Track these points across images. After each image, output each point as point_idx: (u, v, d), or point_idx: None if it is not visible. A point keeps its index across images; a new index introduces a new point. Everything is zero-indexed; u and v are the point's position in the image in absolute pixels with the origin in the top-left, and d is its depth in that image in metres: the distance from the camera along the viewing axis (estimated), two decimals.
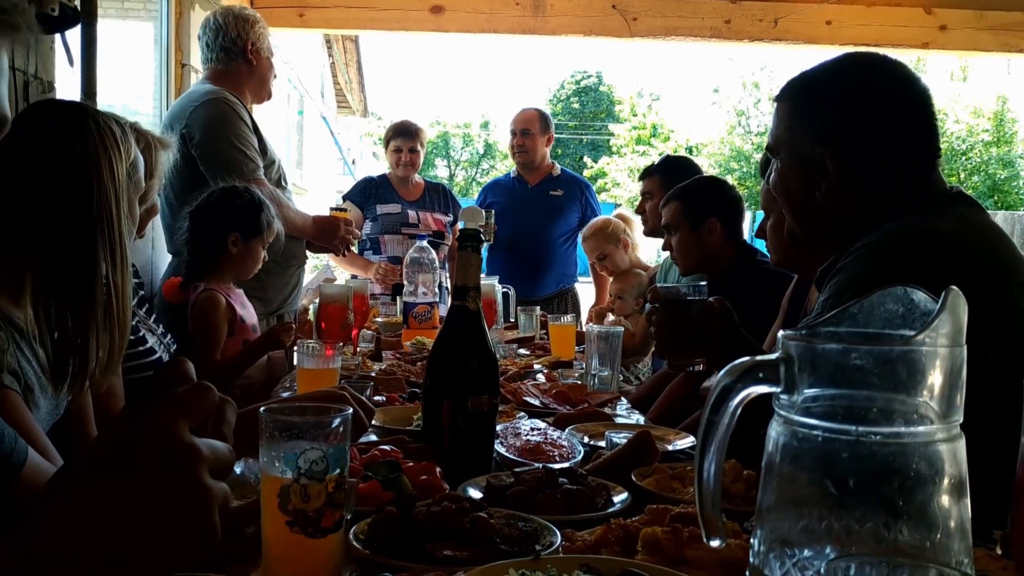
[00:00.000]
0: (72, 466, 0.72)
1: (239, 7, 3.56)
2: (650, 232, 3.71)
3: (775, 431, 0.69)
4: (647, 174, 3.68)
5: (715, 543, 0.71)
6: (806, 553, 0.67)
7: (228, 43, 3.38)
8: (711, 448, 0.69)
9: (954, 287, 0.66)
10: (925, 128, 1.52)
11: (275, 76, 3.63)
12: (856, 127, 1.50)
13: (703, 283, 1.73)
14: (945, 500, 0.64)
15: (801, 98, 1.58)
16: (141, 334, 2.24)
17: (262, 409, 0.93)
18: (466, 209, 1.54)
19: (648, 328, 1.77)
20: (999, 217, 10.96)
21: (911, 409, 0.64)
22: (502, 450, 1.51)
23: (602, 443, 1.64)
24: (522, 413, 1.92)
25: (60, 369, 1.43)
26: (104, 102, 3.13)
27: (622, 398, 2.27)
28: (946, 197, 1.51)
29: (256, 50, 3.42)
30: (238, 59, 3.40)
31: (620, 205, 22.26)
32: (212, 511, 0.67)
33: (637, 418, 2.09)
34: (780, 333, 0.69)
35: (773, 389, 0.68)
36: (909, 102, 1.51)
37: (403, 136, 4.49)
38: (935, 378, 0.64)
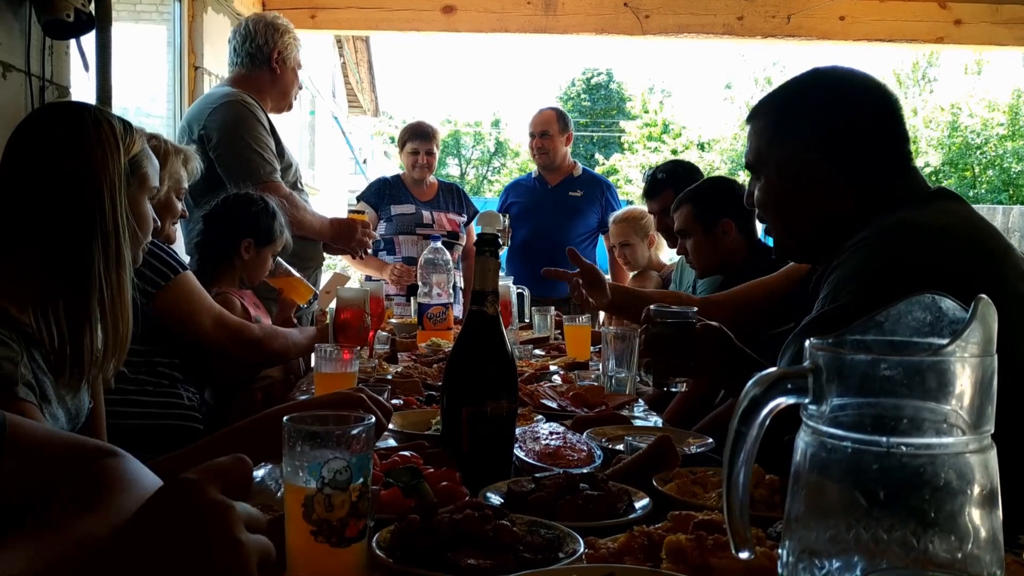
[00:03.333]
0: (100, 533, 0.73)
1: (272, 15, 3.56)
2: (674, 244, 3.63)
3: (803, 441, 0.69)
4: (656, 191, 3.49)
5: (744, 555, 0.70)
6: (835, 564, 0.66)
7: (254, 49, 3.38)
8: (739, 459, 0.69)
9: (984, 296, 0.65)
10: (897, 131, 1.58)
11: (300, 88, 3.62)
12: (841, 131, 1.56)
13: (695, 308, 1.79)
14: (976, 511, 0.64)
15: (781, 111, 1.64)
16: None
17: (285, 419, 0.93)
18: (483, 214, 1.53)
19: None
20: (1015, 212, 10.88)
21: (940, 419, 0.64)
22: (521, 455, 1.51)
23: (620, 446, 1.64)
24: (540, 416, 1.92)
25: (58, 366, 1.44)
26: (119, 105, 3.16)
27: (639, 400, 2.26)
28: (930, 193, 1.58)
29: (282, 59, 3.42)
30: (262, 66, 3.40)
31: (632, 202, 22.20)
32: (250, 564, 0.68)
33: (655, 420, 2.08)
34: (807, 343, 0.69)
35: (802, 400, 0.67)
36: (882, 106, 1.58)
37: (419, 139, 4.49)
38: (966, 388, 0.63)
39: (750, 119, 1.69)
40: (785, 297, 2.38)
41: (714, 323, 1.76)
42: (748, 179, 1.76)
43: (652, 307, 1.79)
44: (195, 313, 2.27)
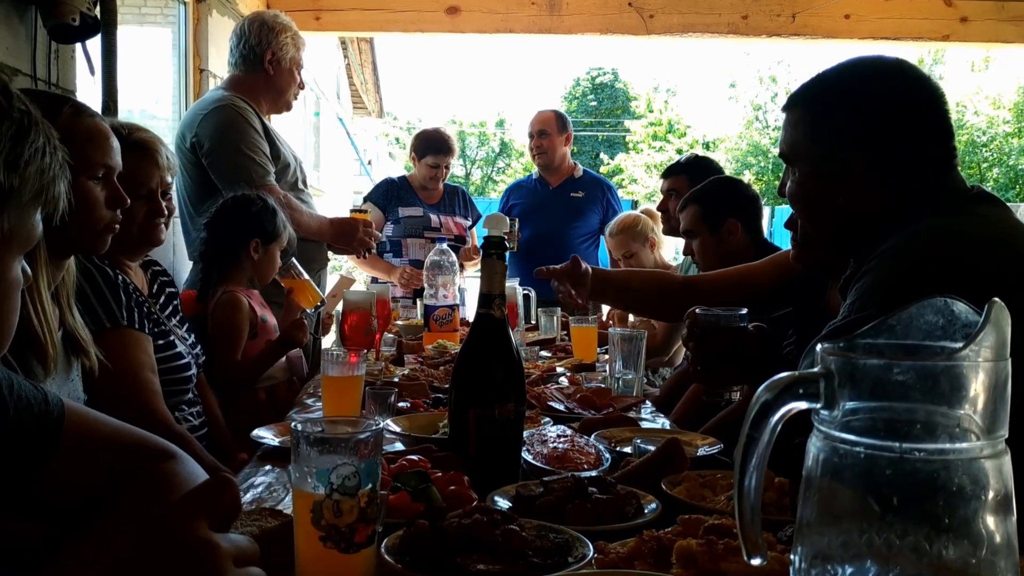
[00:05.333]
0: (89, 558, 0.73)
1: (272, 13, 3.50)
2: (670, 231, 3.67)
3: (815, 446, 0.68)
4: (672, 172, 3.58)
5: (756, 561, 0.70)
6: (848, 571, 0.66)
7: (247, 51, 3.35)
8: (751, 465, 0.68)
9: (997, 299, 0.65)
10: (942, 128, 1.51)
11: (301, 87, 3.55)
12: (878, 130, 1.48)
13: (744, 311, 1.68)
14: (990, 516, 0.63)
15: (818, 104, 1.56)
16: (171, 339, 2.24)
17: (293, 425, 0.93)
18: (490, 216, 1.52)
19: (684, 352, 1.74)
20: (1021, 209, 10.84)
21: (954, 423, 0.63)
22: (529, 458, 1.51)
23: (628, 448, 1.63)
24: (547, 418, 1.92)
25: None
26: (124, 108, 3.16)
27: (646, 401, 2.26)
28: (968, 196, 1.50)
29: (276, 60, 3.36)
30: (256, 68, 3.36)
31: (637, 202, 22.20)
32: None
33: (663, 422, 2.08)
34: (819, 347, 0.68)
35: (813, 405, 0.67)
36: (926, 103, 1.50)
37: (442, 153, 4.48)
38: (979, 392, 0.63)
39: (787, 107, 1.60)
40: (771, 282, 2.33)
41: (761, 324, 1.70)
42: (783, 169, 1.66)
43: (698, 310, 1.68)
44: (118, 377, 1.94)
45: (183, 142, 3.20)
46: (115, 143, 1.80)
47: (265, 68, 3.36)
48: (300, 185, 3.48)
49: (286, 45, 3.39)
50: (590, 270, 2.34)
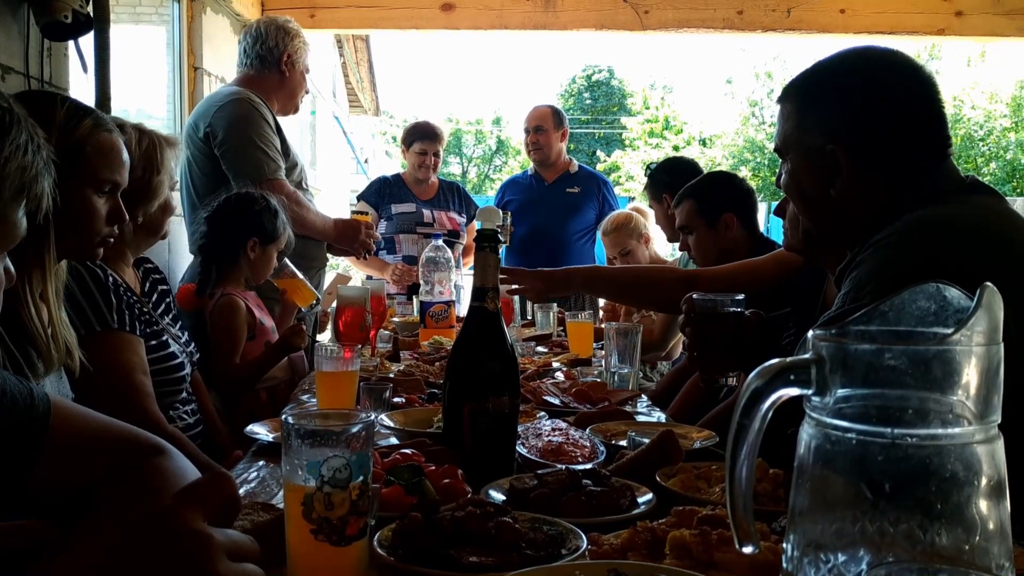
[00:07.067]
0: (80, 551, 0.73)
1: (284, 18, 3.60)
2: (672, 238, 3.71)
3: (807, 433, 0.68)
4: (644, 189, 3.72)
5: (748, 549, 0.69)
6: (841, 558, 0.65)
7: (264, 51, 3.41)
8: (742, 452, 0.68)
9: (989, 284, 0.64)
10: (934, 118, 1.50)
11: (306, 92, 3.64)
12: (865, 121, 1.47)
13: (741, 296, 1.68)
14: (983, 502, 0.63)
15: (807, 96, 1.55)
16: (164, 339, 2.23)
17: (284, 418, 0.92)
18: (483, 209, 1.52)
19: (681, 339, 1.74)
20: (1018, 204, 10.85)
21: (946, 409, 0.62)
22: (524, 451, 1.50)
23: (623, 442, 1.63)
24: (542, 413, 1.91)
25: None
26: (118, 106, 3.15)
27: (642, 395, 2.25)
28: (962, 186, 1.50)
29: (291, 62, 3.45)
30: (272, 68, 3.43)
31: (634, 199, 22.18)
32: None
33: (658, 416, 2.07)
34: (810, 333, 0.68)
35: (804, 392, 0.66)
36: (915, 93, 1.49)
37: (429, 139, 4.51)
38: (972, 377, 0.62)
39: (780, 100, 1.61)
40: (773, 279, 2.33)
41: (759, 311, 1.69)
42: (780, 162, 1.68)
43: (695, 296, 1.67)
44: (108, 378, 1.93)
45: (196, 132, 3.22)
46: (126, 159, 1.79)
47: (281, 69, 3.44)
48: (304, 184, 3.50)
49: (300, 49, 3.49)
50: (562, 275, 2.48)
